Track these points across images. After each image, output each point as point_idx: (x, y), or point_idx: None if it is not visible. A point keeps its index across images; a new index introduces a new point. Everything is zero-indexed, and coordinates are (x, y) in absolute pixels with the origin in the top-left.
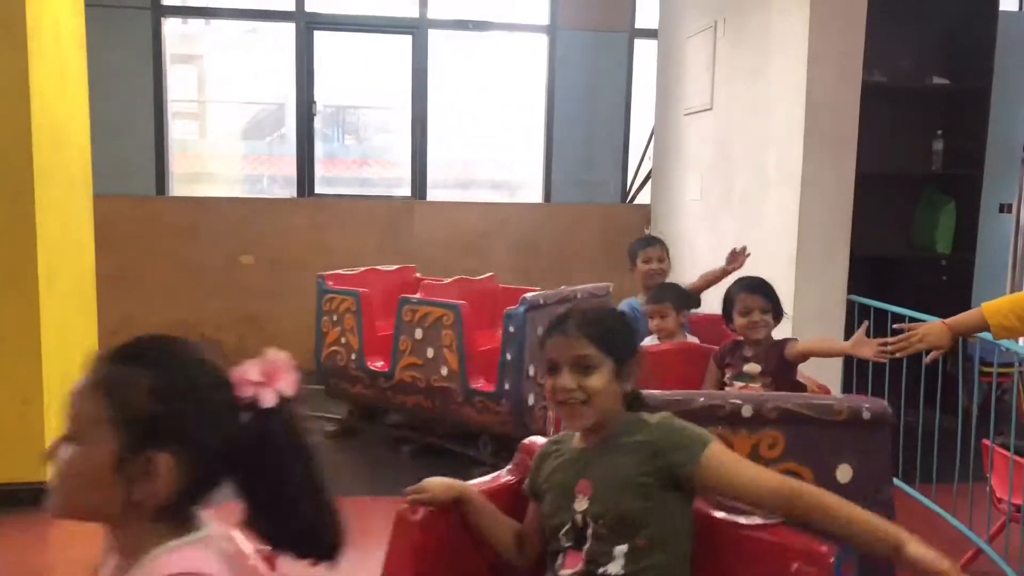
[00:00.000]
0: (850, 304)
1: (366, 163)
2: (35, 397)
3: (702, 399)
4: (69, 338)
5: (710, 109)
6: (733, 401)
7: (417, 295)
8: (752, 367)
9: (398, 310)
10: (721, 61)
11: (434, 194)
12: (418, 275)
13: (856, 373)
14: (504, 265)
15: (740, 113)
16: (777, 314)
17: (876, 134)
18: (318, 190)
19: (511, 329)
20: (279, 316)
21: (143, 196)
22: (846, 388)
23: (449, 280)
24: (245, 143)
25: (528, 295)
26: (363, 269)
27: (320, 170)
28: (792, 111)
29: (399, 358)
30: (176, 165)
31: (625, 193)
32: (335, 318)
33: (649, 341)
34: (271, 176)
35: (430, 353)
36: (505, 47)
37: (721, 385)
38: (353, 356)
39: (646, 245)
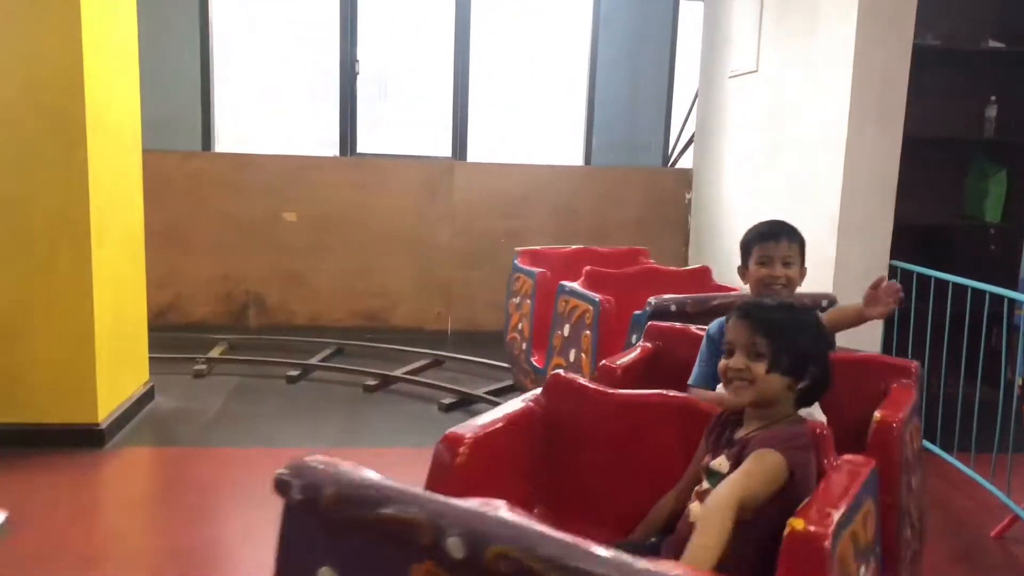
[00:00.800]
0: (892, 270)
1: (406, 124)
2: (87, 343)
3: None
4: (119, 287)
5: (755, 72)
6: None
7: (573, 283)
8: (720, 463)
9: (556, 298)
10: (768, 23)
11: (474, 155)
12: (650, 261)
13: (896, 348)
14: (543, 228)
15: (786, 76)
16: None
17: (926, 98)
18: (359, 150)
19: (632, 339)
20: (320, 273)
21: (190, 151)
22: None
23: (635, 269)
24: (288, 102)
25: (661, 299)
26: (577, 247)
27: (361, 131)
28: (840, 74)
29: (551, 357)
30: (221, 122)
31: (667, 156)
32: (517, 300)
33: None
34: (314, 136)
35: (572, 356)
36: (548, 7)
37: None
38: (524, 346)
39: (766, 238)
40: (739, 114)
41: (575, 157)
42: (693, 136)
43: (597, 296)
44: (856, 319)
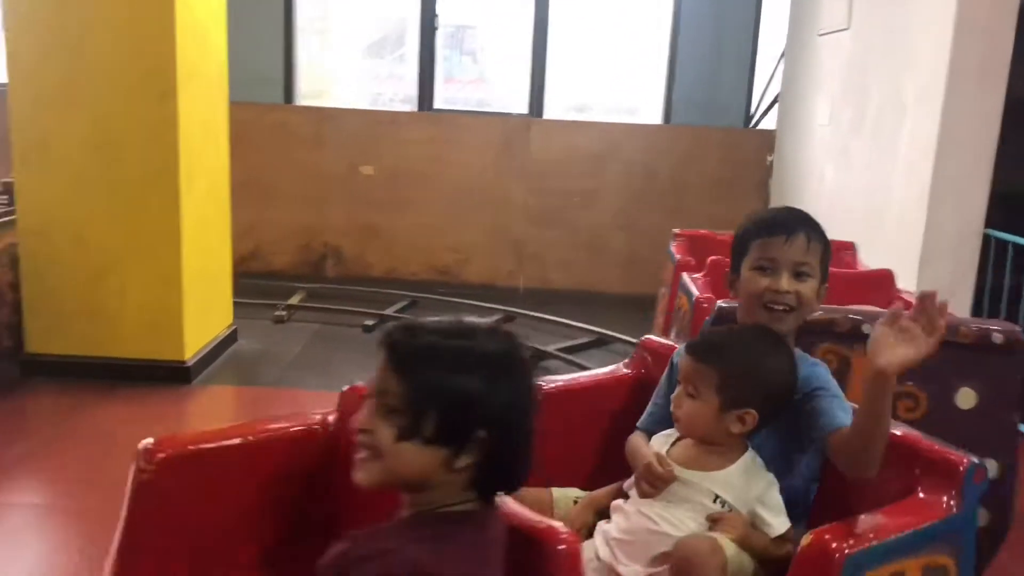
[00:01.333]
0: (987, 239)
1: (483, 82)
2: (176, 284)
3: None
4: (206, 233)
5: (846, 29)
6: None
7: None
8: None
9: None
10: None
11: (551, 112)
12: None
13: (987, 313)
14: (619, 189)
15: (880, 34)
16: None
17: None
18: (436, 105)
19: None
20: (397, 227)
21: (272, 104)
22: None
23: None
24: (368, 58)
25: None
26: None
27: (439, 89)
28: (939, 33)
29: None
30: (303, 78)
31: (749, 117)
32: (664, 289)
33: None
34: (393, 92)
35: None
36: None
37: None
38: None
39: (774, 231)
40: (827, 74)
41: (654, 116)
42: (777, 97)
43: (695, 291)
44: (876, 390)
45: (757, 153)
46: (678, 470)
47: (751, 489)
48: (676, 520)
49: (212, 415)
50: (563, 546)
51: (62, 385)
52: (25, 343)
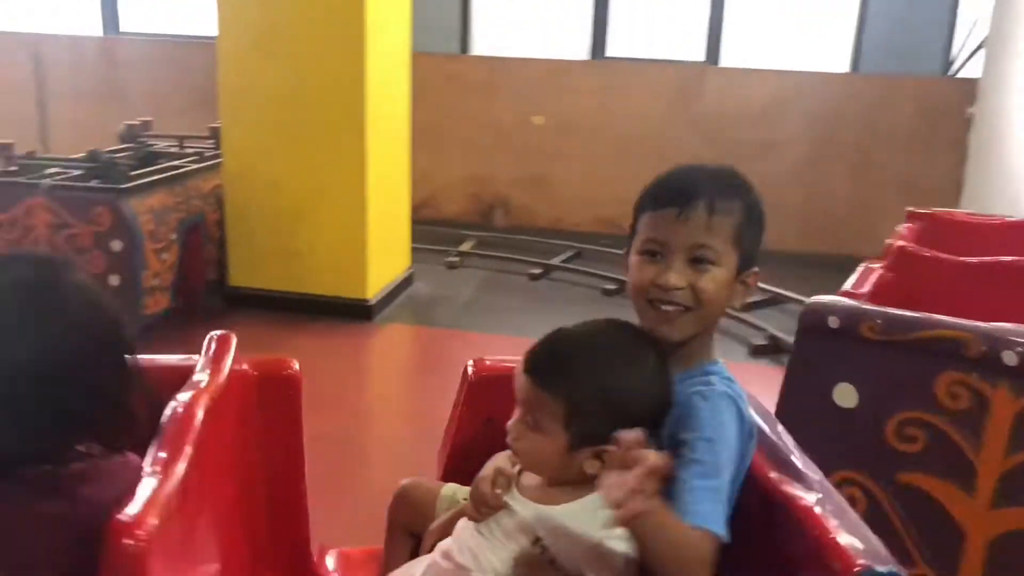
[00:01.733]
0: None
1: (657, 26)
2: (361, 227)
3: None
4: (388, 180)
5: None
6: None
7: None
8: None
9: None
10: None
11: (728, 60)
12: None
13: None
14: (798, 141)
15: None
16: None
17: None
18: (609, 53)
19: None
20: (566, 178)
21: (448, 54)
22: None
23: None
24: (542, 6)
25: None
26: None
27: (612, 33)
28: None
29: None
30: (478, 25)
31: (948, 64)
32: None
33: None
34: (566, 39)
35: None
36: None
37: None
38: None
39: (662, 202)
40: None
41: (840, 63)
42: (983, 41)
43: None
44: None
45: (956, 104)
46: (513, 495)
47: (595, 531)
48: (483, 558)
49: (392, 351)
50: (129, 542)
51: (260, 316)
52: (229, 277)
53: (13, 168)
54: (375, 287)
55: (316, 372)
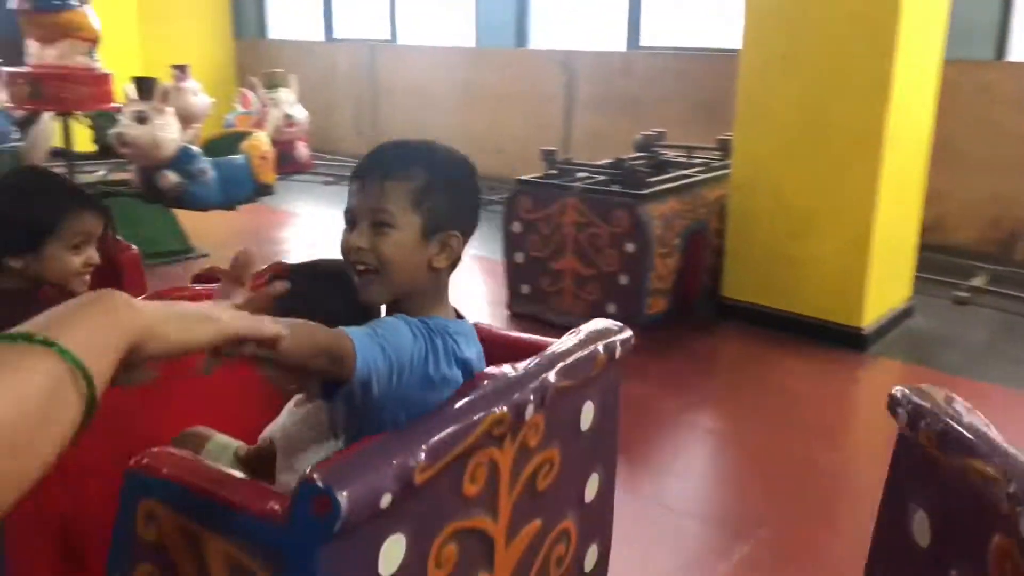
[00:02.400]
0: None
1: None
2: (863, 249)
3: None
4: (899, 199)
5: None
6: None
7: None
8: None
9: None
10: None
11: None
12: None
13: None
14: None
15: None
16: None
17: None
18: None
19: None
20: None
21: (979, 61)
22: None
23: None
24: None
25: None
26: None
27: None
28: None
29: None
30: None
31: None
32: None
33: None
34: None
35: None
36: None
37: None
38: None
39: (351, 176)
40: None
41: None
42: None
43: None
44: None
45: None
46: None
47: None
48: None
49: (885, 389)
50: None
51: (747, 330)
52: (722, 287)
53: (554, 171)
54: (871, 316)
55: (803, 397)
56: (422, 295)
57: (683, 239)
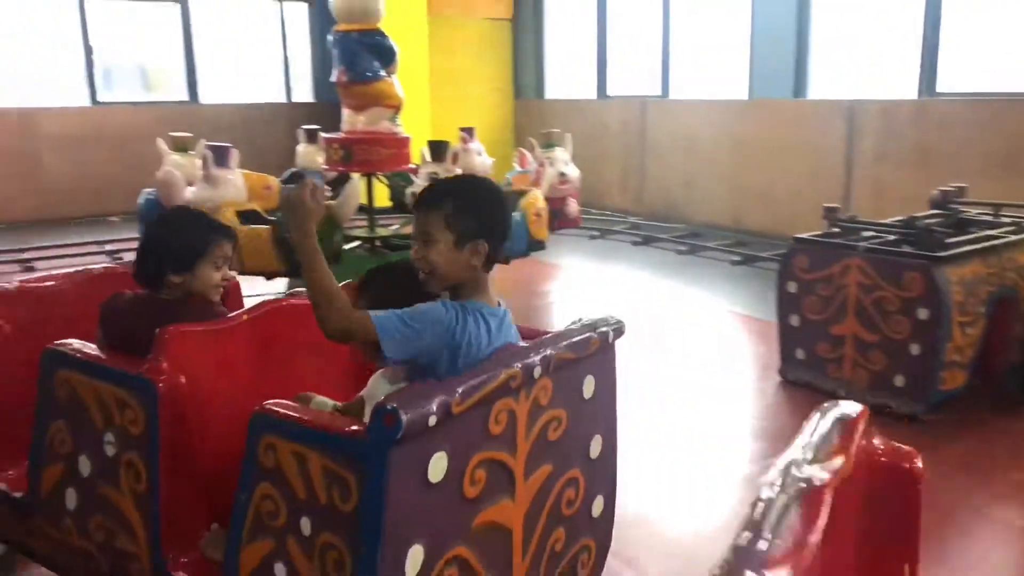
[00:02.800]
0: None
1: None
2: None
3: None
4: None
5: None
6: None
7: None
8: None
9: None
10: None
11: None
12: None
13: None
14: None
15: None
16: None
17: None
18: None
19: None
20: None
21: None
22: None
23: None
24: None
25: None
26: None
27: None
28: None
29: None
30: None
31: None
32: None
33: None
34: None
35: None
36: None
37: None
38: None
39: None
40: None
41: None
42: None
43: None
44: None
45: None
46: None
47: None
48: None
49: None
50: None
51: None
52: None
53: (835, 229)
54: None
55: None
56: (464, 287)
57: (988, 306)
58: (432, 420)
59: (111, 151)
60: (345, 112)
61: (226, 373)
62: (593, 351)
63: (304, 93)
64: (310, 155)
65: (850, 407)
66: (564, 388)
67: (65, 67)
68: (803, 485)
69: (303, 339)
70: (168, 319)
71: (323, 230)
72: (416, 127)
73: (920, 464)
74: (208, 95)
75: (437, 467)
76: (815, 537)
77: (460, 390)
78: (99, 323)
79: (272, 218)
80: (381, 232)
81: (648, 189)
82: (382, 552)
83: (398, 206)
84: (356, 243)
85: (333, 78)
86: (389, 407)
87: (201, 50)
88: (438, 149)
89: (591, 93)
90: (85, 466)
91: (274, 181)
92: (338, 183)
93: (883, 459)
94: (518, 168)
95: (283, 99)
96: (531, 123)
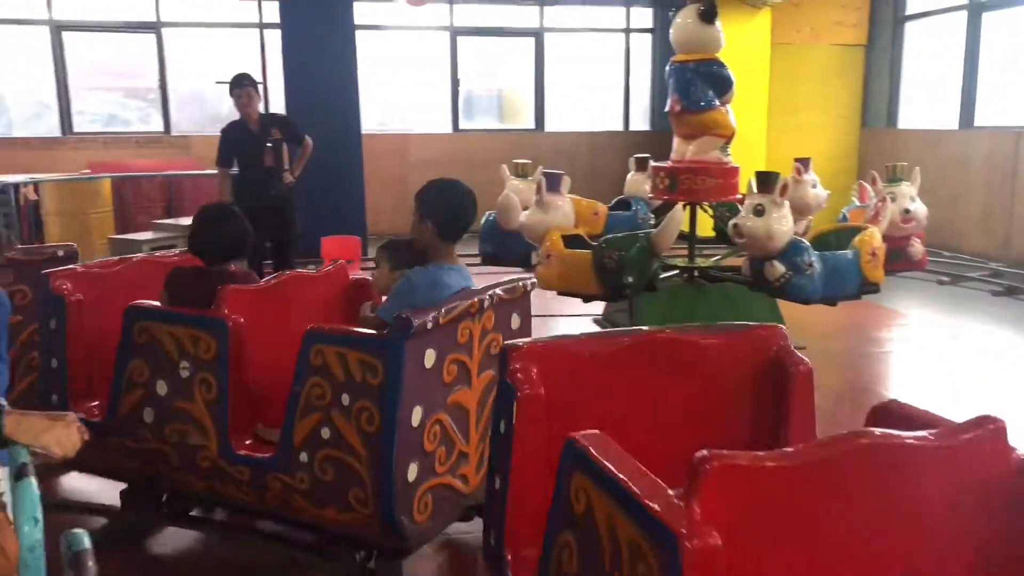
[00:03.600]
0: None
1: None
2: None
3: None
4: None
5: None
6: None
7: None
8: None
9: None
10: None
11: None
12: None
13: None
14: None
15: None
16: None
17: None
18: None
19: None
20: None
21: None
22: None
23: None
24: None
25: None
26: None
27: None
28: None
29: None
30: None
31: None
32: None
33: None
34: None
35: None
36: None
37: None
38: None
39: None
40: None
41: None
42: None
43: None
44: None
45: None
46: None
47: None
48: None
49: None
50: None
51: None
52: None
53: None
54: None
55: None
56: (427, 251)
57: None
58: (428, 325)
59: (464, 174)
60: (675, 141)
61: (263, 318)
62: (518, 296)
63: (642, 122)
64: (638, 183)
65: None
66: (500, 320)
67: (436, 98)
68: None
69: (312, 299)
70: (224, 282)
71: (640, 258)
72: (751, 156)
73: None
74: (553, 123)
75: (429, 358)
76: None
77: (443, 310)
78: (165, 287)
79: (594, 243)
80: (701, 262)
81: (1017, 232)
82: (399, 409)
83: (720, 236)
84: (673, 272)
85: (666, 107)
86: (404, 315)
87: (550, 80)
88: (765, 180)
89: (952, 123)
90: (162, 388)
91: (602, 208)
92: (661, 211)
93: None
94: (856, 202)
95: (620, 127)
96: (879, 154)
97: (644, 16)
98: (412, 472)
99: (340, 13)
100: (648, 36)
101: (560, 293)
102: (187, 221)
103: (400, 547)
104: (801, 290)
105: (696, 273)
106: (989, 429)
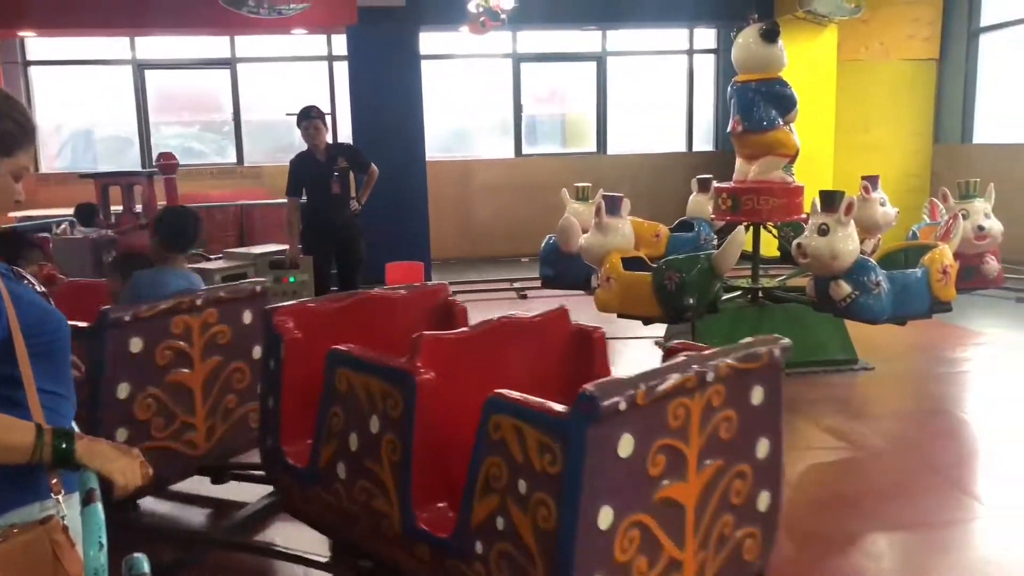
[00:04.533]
0: None
1: None
2: None
3: None
4: None
5: None
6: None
7: None
8: None
9: None
10: None
11: None
12: None
13: None
14: None
15: None
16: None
17: None
18: None
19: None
20: None
21: None
22: None
23: None
24: None
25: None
26: None
27: None
28: None
29: None
30: None
31: None
32: None
33: None
34: None
35: None
36: None
37: None
38: None
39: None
40: None
41: None
42: None
43: None
44: None
45: None
46: None
47: None
48: None
49: None
50: None
51: None
52: None
53: None
54: None
55: None
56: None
57: None
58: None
59: (527, 198)
60: (738, 161)
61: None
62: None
63: (705, 142)
64: (701, 204)
65: None
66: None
67: (499, 124)
68: None
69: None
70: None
71: (701, 279)
72: (818, 175)
73: None
74: (616, 146)
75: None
76: None
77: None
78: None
79: (655, 265)
80: (764, 283)
81: None
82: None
83: (784, 256)
84: (736, 293)
85: (729, 128)
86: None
87: (613, 103)
88: (830, 199)
89: None
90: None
91: (664, 229)
92: (724, 232)
93: None
94: (927, 220)
95: (683, 148)
96: (952, 170)
97: (707, 37)
98: None
99: (406, 44)
100: (711, 56)
101: (620, 316)
102: (260, 249)
103: None
104: (868, 310)
105: (760, 294)
106: (560, 311)
